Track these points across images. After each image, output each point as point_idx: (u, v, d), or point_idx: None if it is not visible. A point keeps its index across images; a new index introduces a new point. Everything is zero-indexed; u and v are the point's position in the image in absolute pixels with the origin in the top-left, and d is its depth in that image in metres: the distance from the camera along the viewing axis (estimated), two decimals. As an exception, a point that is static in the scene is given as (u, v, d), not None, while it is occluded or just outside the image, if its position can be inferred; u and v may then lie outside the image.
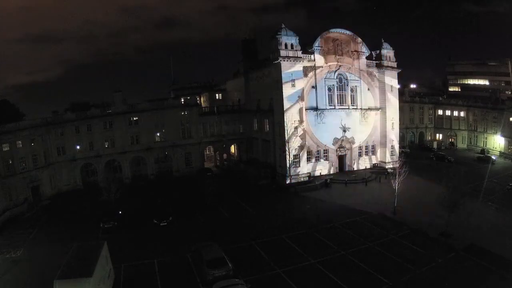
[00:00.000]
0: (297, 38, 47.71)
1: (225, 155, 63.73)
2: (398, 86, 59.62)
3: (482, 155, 63.00)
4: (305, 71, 49.05)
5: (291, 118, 47.43)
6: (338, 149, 53.02)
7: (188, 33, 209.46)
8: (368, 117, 54.92)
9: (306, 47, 49.45)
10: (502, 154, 63.41)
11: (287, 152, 47.35)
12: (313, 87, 50.27)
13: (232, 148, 65.64)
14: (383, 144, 56.14)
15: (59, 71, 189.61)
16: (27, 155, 45.39)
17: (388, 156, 55.56)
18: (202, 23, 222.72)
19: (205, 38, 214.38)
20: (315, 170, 50.53)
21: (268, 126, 54.67)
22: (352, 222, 33.61)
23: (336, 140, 52.56)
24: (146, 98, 74.50)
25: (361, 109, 54.32)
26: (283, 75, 46.62)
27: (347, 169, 53.66)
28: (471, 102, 74.43)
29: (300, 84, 47.93)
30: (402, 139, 71.72)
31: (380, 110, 56.07)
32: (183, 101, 63.34)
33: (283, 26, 47.39)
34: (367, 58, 54.70)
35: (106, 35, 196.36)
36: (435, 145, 75.11)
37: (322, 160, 51.94)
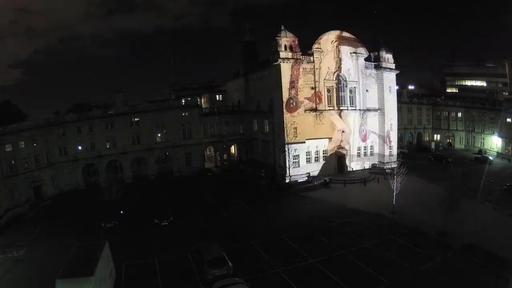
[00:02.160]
0: (297, 39, 48.12)
1: (225, 156, 64.05)
2: (396, 87, 60.08)
3: (479, 156, 63.47)
4: (305, 72, 49.47)
5: (290, 119, 47.79)
6: (337, 150, 53.38)
7: (155, 20, 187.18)
8: (366, 118, 55.29)
9: (306, 49, 49.87)
10: (499, 155, 63.88)
11: (286, 153, 47.74)
12: (312, 88, 50.66)
13: (232, 149, 66.01)
14: (382, 144, 56.56)
15: (15, 73, 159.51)
16: (29, 156, 45.68)
17: (387, 156, 55.99)
18: (171, 7, 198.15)
19: (181, 25, 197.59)
20: (314, 171, 50.89)
21: (268, 126, 55.06)
22: (351, 222, 33.88)
23: (335, 141, 52.95)
24: (147, 99, 74.68)
25: (360, 110, 54.68)
26: (282, 77, 47.00)
27: (346, 169, 54.02)
28: (468, 103, 74.89)
29: (300, 85, 48.24)
30: (400, 139, 72.10)
31: (378, 111, 56.47)
32: (184, 102, 63.67)
33: (282, 28, 47.81)
34: (366, 59, 55.07)
35: (51, 28, 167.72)
36: (433, 145, 75.64)
37: (321, 160, 52.33)
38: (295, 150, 48.26)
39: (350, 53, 53.29)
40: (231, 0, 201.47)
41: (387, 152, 56.16)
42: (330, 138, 52.35)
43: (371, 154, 56.64)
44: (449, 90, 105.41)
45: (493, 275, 22.73)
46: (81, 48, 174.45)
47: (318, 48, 50.63)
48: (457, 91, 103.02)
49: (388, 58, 56.13)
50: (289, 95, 47.69)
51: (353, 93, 54.20)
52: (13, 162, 43.50)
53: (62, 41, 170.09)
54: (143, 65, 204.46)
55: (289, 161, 47.92)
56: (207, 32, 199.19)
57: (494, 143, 66.33)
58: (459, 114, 74.44)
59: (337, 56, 52.09)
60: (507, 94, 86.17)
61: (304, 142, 49.52)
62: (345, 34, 52.72)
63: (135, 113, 56.13)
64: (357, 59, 53.96)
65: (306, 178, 49.08)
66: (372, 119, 56.04)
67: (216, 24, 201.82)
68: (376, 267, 24.34)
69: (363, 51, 54.33)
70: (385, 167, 53.33)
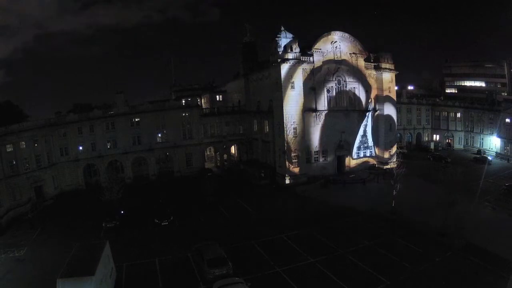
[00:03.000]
0: (297, 40, 48.24)
1: (225, 156, 64.19)
2: (396, 88, 60.28)
3: (478, 156, 63.68)
4: (304, 73, 49.63)
5: (290, 119, 47.93)
6: (336, 150, 53.57)
7: (137, 12, 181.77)
8: (366, 118, 55.47)
9: (305, 49, 50.02)
10: (498, 155, 64.09)
11: (286, 153, 47.89)
12: (312, 88, 50.83)
13: (233, 149, 66.16)
14: (381, 144, 56.75)
15: None
16: (30, 156, 45.74)
17: (386, 156, 56.17)
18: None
19: (169, 20, 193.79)
20: (314, 170, 51.02)
21: (268, 127, 55.19)
22: (351, 221, 34.07)
23: (334, 141, 53.11)
24: (147, 99, 74.88)
25: (359, 110, 54.88)
26: (282, 77, 47.11)
27: (345, 169, 54.20)
28: (467, 104, 75.09)
29: (300, 85, 48.42)
30: (399, 140, 72.46)
31: (378, 111, 56.68)
32: (184, 102, 63.73)
33: (282, 28, 47.94)
34: (366, 60, 55.28)
35: (27, 25, 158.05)
36: (432, 145, 75.74)
37: (321, 160, 52.52)
38: (295, 150, 48.41)
39: (350, 53, 53.52)
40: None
41: (386, 152, 56.32)
42: (329, 139, 52.49)
43: (371, 154, 56.81)
44: (448, 91, 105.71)
45: (492, 274, 22.91)
46: (63, 46, 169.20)
47: (317, 48, 50.84)
48: (456, 91, 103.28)
49: (387, 58, 56.30)
50: (289, 95, 47.83)
51: (352, 93, 54.38)
52: (14, 162, 43.58)
53: (40, 39, 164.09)
54: (143, 65, 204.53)
55: (289, 161, 48.06)
56: (205, 31, 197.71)
57: (493, 143, 66.52)
58: (458, 115, 74.63)
59: (337, 57, 52.29)
60: (505, 94, 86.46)
61: (304, 142, 49.62)
62: (345, 34, 52.99)
63: (136, 113, 56.23)
64: (356, 60, 54.18)
65: (306, 178, 49.22)
66: (372, 119, 56.19)
67: (206, 18, 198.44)
68: (376, 267, 24.48)
69: (362, 52, 54.53)
70: (384, 167, 53.54)
